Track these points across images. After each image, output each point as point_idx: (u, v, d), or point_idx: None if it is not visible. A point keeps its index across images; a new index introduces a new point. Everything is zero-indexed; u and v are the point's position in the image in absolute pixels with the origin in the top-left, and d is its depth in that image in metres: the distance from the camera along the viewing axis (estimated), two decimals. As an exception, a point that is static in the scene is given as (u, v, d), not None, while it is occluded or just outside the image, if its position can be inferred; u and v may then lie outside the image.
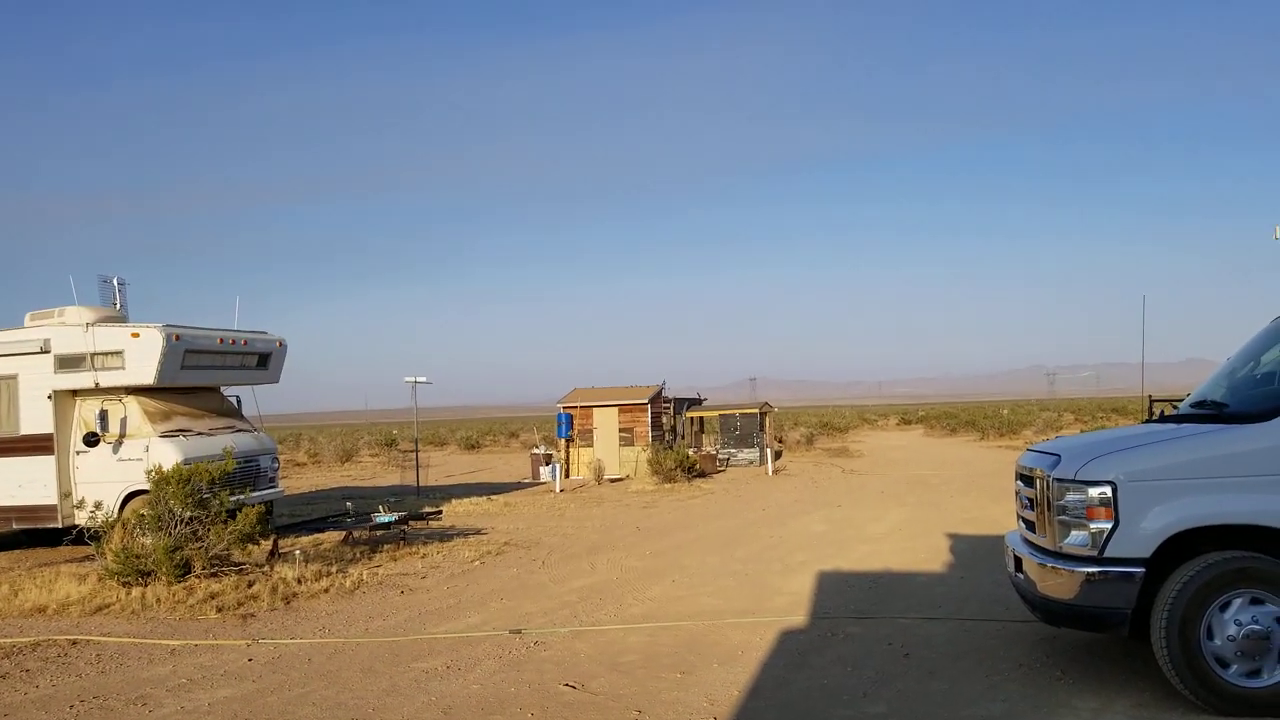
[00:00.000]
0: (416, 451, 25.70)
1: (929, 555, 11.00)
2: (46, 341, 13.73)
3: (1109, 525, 5.33)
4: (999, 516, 13.33)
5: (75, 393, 13.83)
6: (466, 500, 19.59)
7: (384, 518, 13.50)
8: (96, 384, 13.56)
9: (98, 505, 11.77)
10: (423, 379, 23.88)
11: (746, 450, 29.17)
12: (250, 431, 15.16)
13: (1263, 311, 7.00)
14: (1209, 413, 6.02)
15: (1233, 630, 5.07)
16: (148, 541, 10.10)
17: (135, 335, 13.45)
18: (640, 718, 5.56)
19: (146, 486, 11.30)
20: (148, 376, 13.37)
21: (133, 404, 13.58)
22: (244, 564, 10.77)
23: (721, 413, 30.87)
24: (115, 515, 12.09)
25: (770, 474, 25.40)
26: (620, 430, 26.46)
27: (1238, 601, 5.11)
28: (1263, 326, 6.70)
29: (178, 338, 13.55)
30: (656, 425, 26.75)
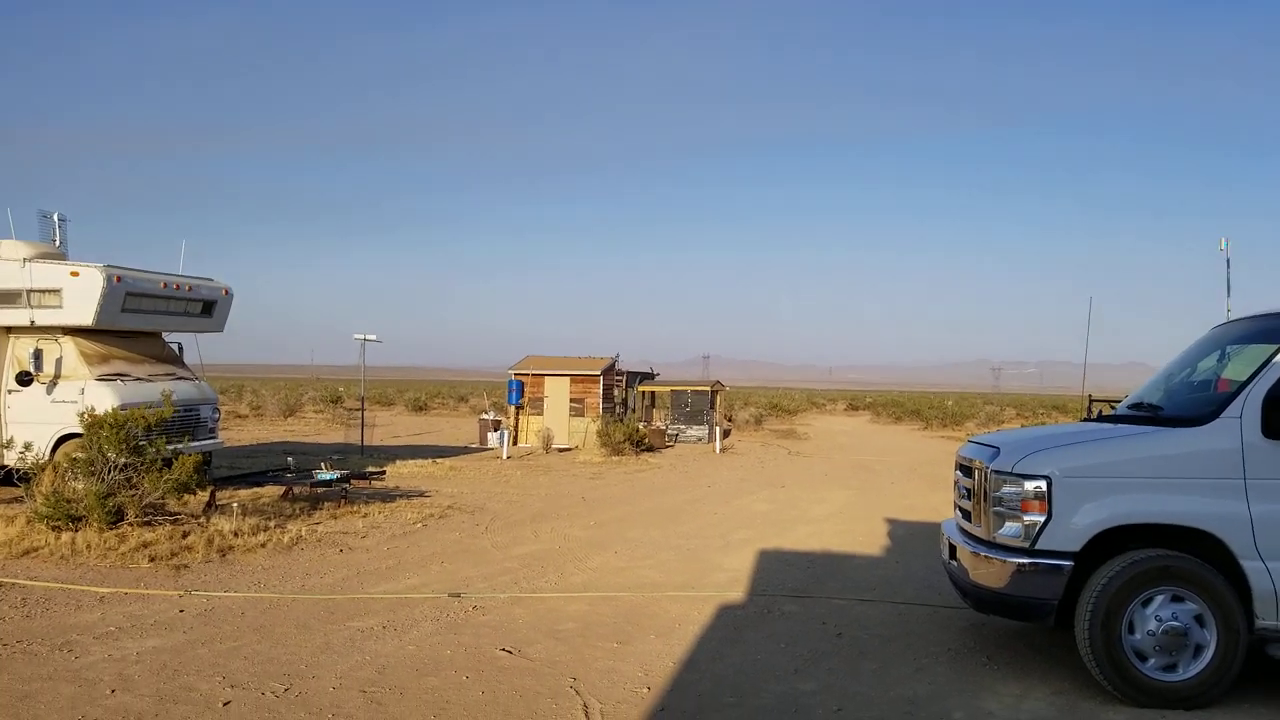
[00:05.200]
0: (362, 410, 25.38)
1: (867, 539, 11.20)
2: (-21, 275, 13.23)
3: (1042, 518, 5.47)
4: (937, 504, 13.61)
5: (9, 330, 13.36)
6: (411, 462, 19.44)
7: (326, 475, 13.34)
8: (32, 322, 13.13)
9: (28, 446, 11.44)
10: (372, 337, 23.55)
11: (696, 427, 29.34)
12: (191, 380, 14.83)
13: (1202, 320, 7.21)
14: (1145, 415, 6.20)
15: (1153, 626, 5.26)
16: (79, 486, 9.86)
17: (75, 274, 13.02)
18: (575, 685, 5.59)
19: (80, 429, 11.00)
20: (86, 317, 12.98)
21: (69, 345, 13.17)
22: (179, 514, 10.58)
23: (673, 389, 30.98)
24: (47, 457, 11.77)
25: (718, 452, 25.61)
26: (571, 400, 26.42)
27: (1159, 598, 5.29)
28: (1201, 335, 6.91)
29: (119, 279, 13.16)
30: (608, 397, 26.76)
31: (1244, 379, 5.49)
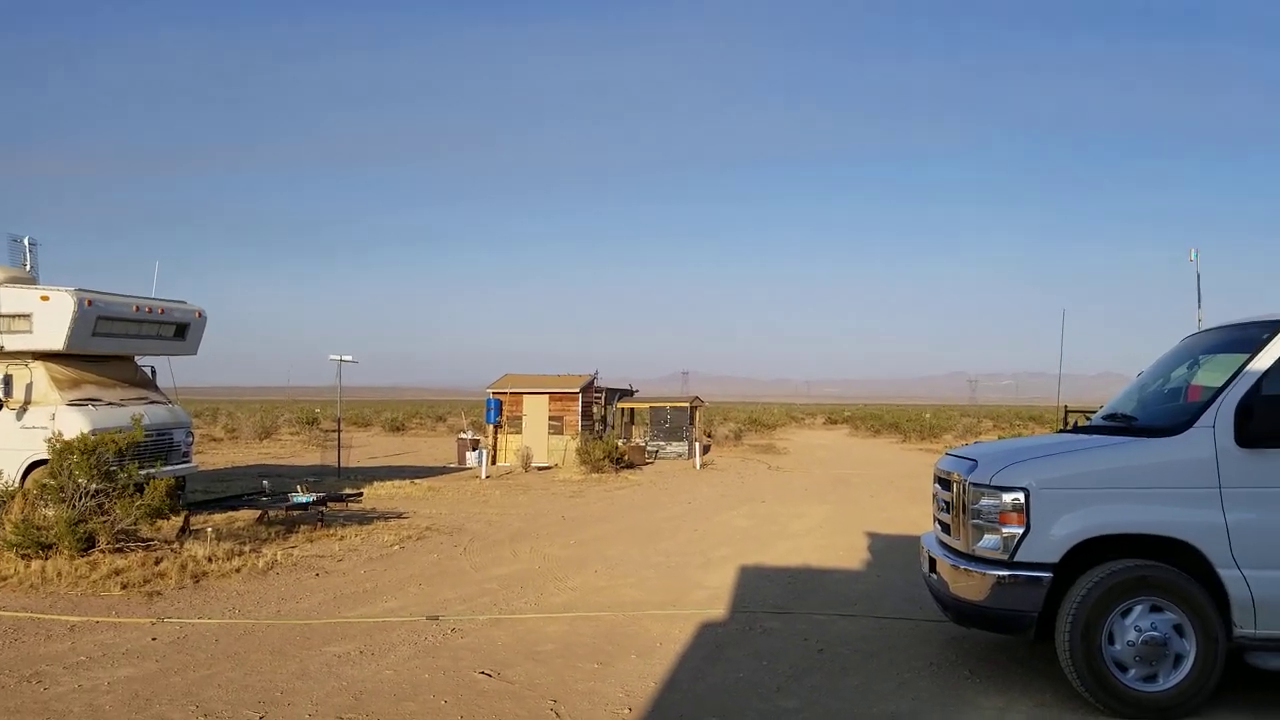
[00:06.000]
0: (339, 431, 25.17)
1: (848, 553, 11.20)
2: (-52, 300, 13.02)
3: (1020, 530, 5.49)
4: (916, 517, 13.65)
5: (-22, 355, 13.16)
6: (389, 483, 19.27)
7: (302, 498, 13.19)
8: (2, 347, 12.94)
9: (-3, 473, 11.25)
10: (349, 358, 23.38)
11: (675, 443, 29.33)
12: (164, 404, 14.65)
13: (1175, 330, 7.31)
14: (1119, 425, 6.25)
15: (1132, 636, 5.28)
16: (50, 513, 9.68)
17: (45, 298, 12.85)
18: (555, 708, 5.53)
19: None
20: (57, 342, 12.81)
21: (40, 370, 12.98)
22: (152, 540, 10.41)
23: (652, 405, 30.97)
24: (17, 484, 11.55)
25: (697, 468, 25.59)
26: (550, 418, 26.33)
27: (1139, 608, 5.31)
28: (1173, 345, 6.99)
29: (90, 303, 13.00)
30: (587, 415, 26.70)
31: (1216, 388, 5.55)
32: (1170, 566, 5.33)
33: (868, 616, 7.88)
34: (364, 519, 13.59)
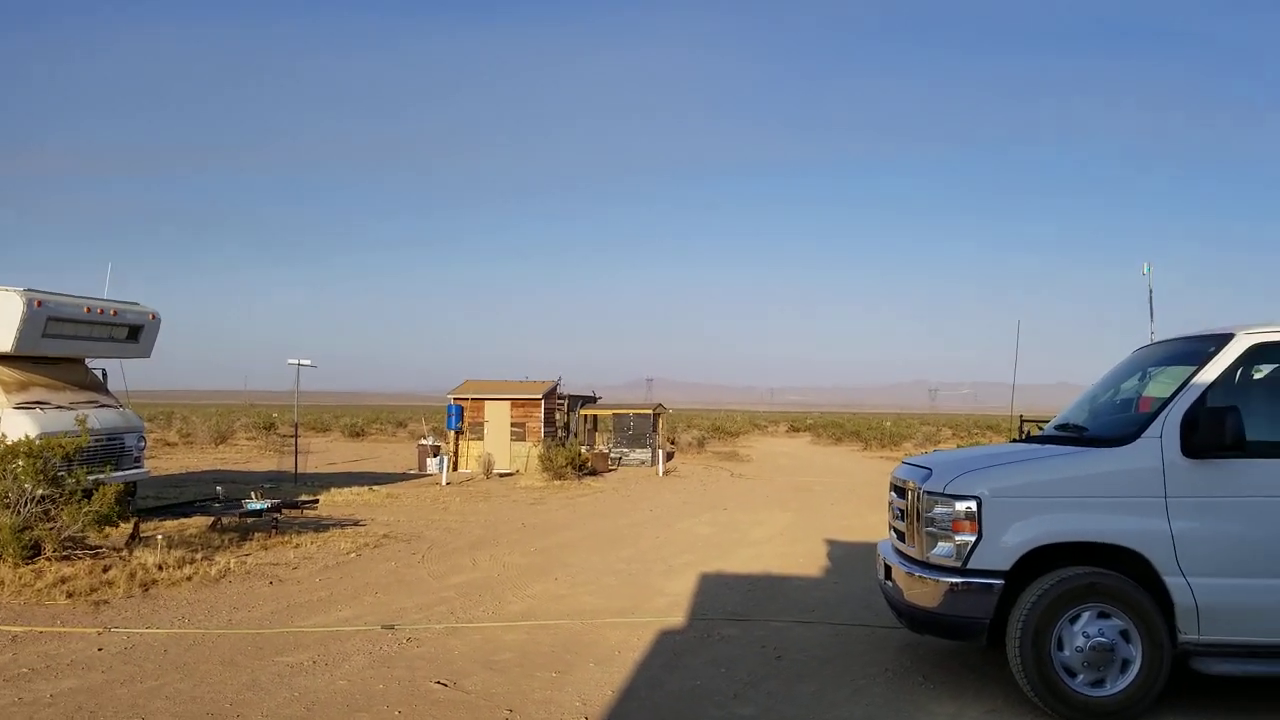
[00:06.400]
0: (296, 436, 24.78)
1: (807, 560, 11.27)
2: (-110, 301, 12.64)
3: (973, 538, 5.56)
4: (876, 524, 13.77)
5: (-79, 358, 12.79)
6: (347, 489, 19.02)
7: (256, 504, 12.98)
8: (-54, 350, 12.59)
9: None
10: (307, 362, 23.05)
11: (639, 450, 29.33)
12: (116, 407, 14.34)
13: (1128, 342, 7.46)
14: (1070, 435, 6.36)
15: (1081, 642, 5.37)
16: (-8, 520, 9.42)
17: None
18: (511, 717, 5.49)
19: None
20: (4, 344, 12.49)
21: (-15, 372, 12.64)
22: (100, 547, 10.17)
23: (616, 412, 30.93)
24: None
25: (661, 475, 25.60)
26: (512, 425, 26.18)
27: (1087, 615, 5.40)
28: (1124, 357, 7.14)
29: (40, 304, 12.70)
30: (549, 421, 26.59)
31: (1164, 400, 5.67)
32: (1118, 574, 5.43)
33: (825, 623, 7.93)
34: (320, 526, 13.40)
